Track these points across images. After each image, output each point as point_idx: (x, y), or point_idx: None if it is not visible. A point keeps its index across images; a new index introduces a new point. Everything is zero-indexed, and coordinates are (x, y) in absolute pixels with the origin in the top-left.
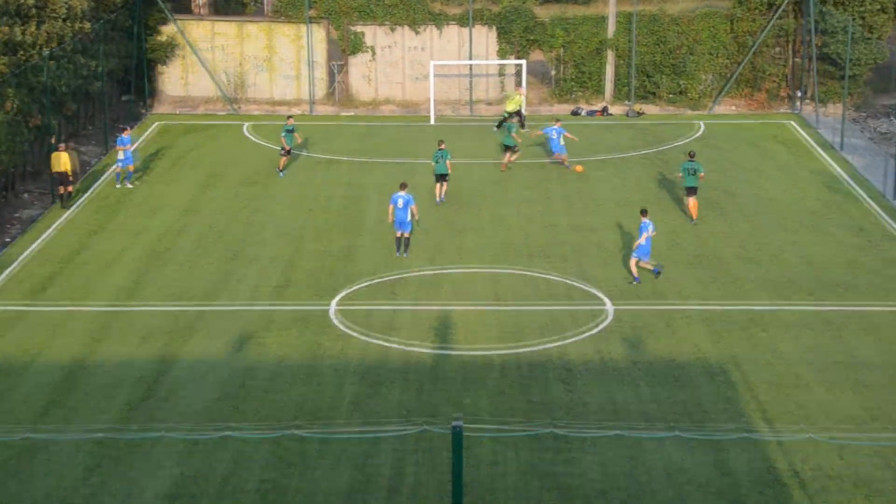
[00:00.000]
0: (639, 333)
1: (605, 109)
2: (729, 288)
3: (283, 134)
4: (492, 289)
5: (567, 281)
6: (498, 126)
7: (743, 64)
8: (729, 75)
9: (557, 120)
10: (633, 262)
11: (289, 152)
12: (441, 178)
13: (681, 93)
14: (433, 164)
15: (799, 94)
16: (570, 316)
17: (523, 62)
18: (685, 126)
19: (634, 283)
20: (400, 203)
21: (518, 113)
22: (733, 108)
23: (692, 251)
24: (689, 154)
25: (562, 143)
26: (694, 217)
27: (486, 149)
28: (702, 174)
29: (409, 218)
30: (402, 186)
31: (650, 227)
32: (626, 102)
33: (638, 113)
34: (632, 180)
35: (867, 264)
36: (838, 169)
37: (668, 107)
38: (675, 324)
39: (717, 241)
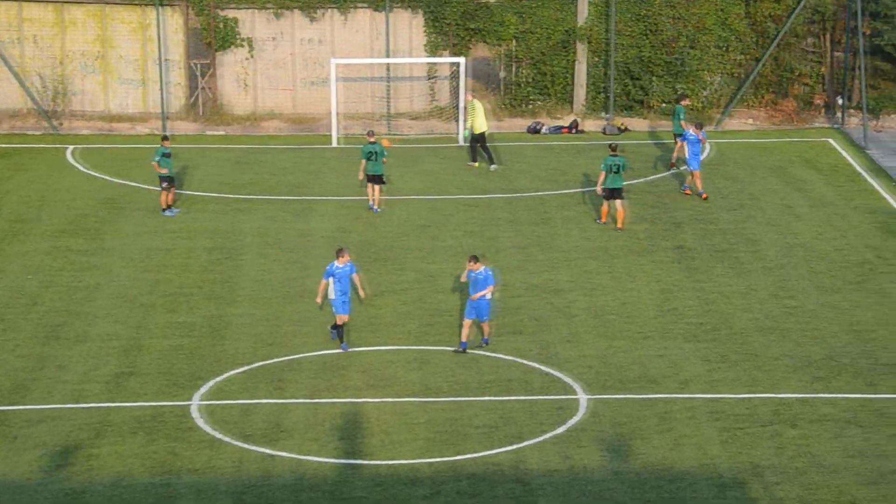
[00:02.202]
0: (622, 433)
1: (574, 125)
2: (746, 369)
3: (158, 158)
4: (418, 375)
5: (523, 363)
6: (473, 159)
7: (763, 61)
8: (744, 77)
9: (699, 125)
10: (466, 323)
11: (171, 182)
12: (375, 179)
13: (678, 101)
14: (362, 161)
15: (840, 101)
16: (527, 411)
17: (461, 60)
18: None
19: (460, 349)
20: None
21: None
22: (750, 121)
23: (695, 318)
24: (610, 147)
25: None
26: (620, 225)
27: (410, 180)
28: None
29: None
30: (340, 253)
31: (492, 279)
32: (604, 115)
33: (620, 129)
34: (613, 223)
35: None
36: (893, 202)
37: (662, 121)
38: (673, 419)
39: (730, 304)
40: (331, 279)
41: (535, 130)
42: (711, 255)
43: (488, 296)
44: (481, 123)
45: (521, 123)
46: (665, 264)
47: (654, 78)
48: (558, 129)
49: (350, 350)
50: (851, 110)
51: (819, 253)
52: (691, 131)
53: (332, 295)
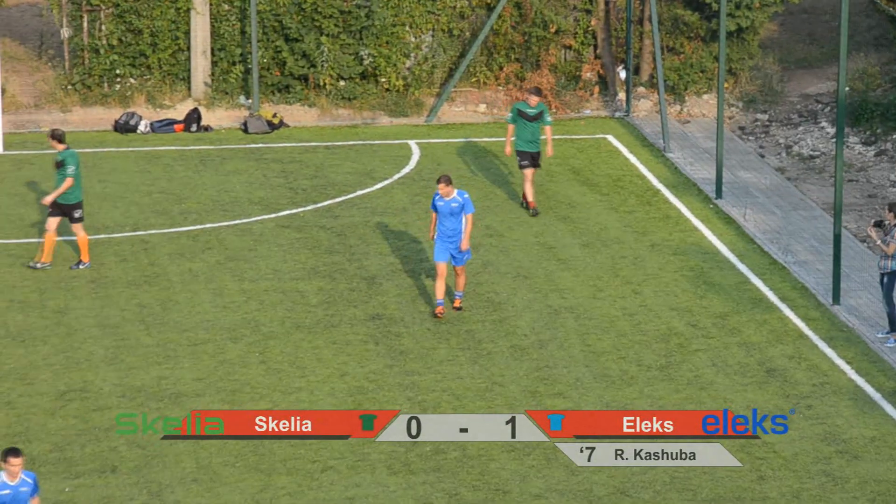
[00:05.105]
0: None
1: (192, 118)
2: None
3: None
4: None
5: None
6: None
7: (499, 10)
8: (470, 36)
9: (445, 180)
10: None
11: None
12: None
13: (365, 77)
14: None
15: (623, 74)
16: None
17: None
18: (381, 151)
19: None
20: None
21: None
22: (483, 108)
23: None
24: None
25: (466, 243)
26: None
27: None
28: None
29: None
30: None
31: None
32: (244, 101)
33: (273, 124)
34: (261, 270)
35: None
36: (712, 237)
37: (341, 108)
38: None
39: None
40: None
41: (126, 128)
42: (428, 329)
43: None
44: None
45: (105, 116)
46: (354, 345)
47: (323, 38)
48: (165, 124)
49: None
50: (641, 88)
51: (599, 321)
52: (440, 193)
53: None
